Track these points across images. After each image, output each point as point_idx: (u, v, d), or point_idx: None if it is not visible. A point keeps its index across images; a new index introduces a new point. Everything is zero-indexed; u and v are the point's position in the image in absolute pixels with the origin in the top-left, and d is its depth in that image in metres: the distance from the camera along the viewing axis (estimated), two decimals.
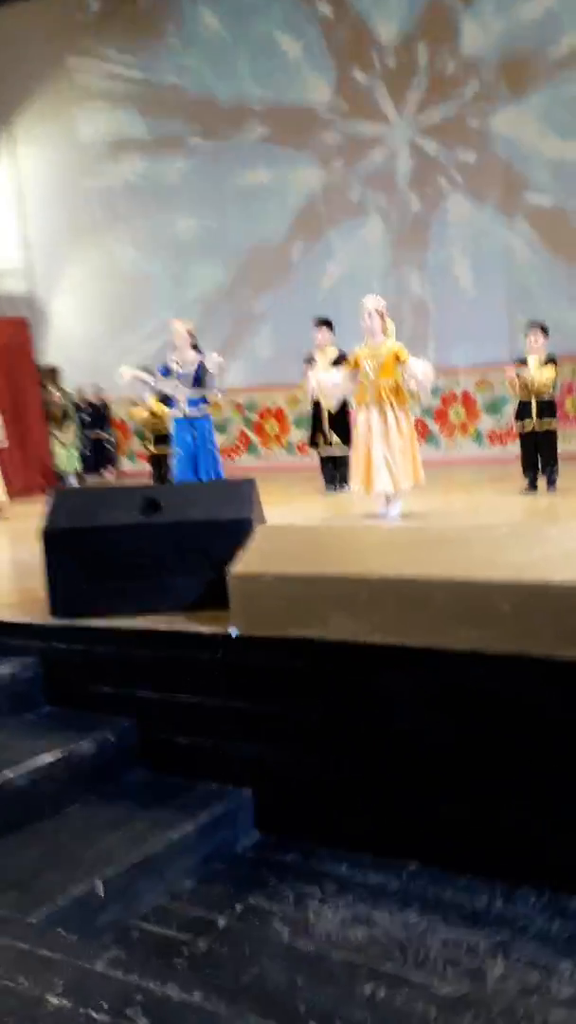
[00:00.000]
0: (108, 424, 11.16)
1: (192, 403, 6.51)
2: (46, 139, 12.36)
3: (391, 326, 5.50)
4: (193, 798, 2.58)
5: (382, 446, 5.29)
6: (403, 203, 9.52)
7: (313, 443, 7.37)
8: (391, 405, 5.32)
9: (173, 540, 3.04)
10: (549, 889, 2.21)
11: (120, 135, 11.54)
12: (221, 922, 2.11)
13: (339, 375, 5.78)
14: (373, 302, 5.49)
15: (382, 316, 5.44)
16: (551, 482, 6.14)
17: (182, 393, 6.49)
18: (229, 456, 10.05)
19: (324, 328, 7.26)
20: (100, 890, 2.08)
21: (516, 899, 2.20)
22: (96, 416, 11.01)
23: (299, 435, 9.70)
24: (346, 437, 7.04)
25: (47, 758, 2.56)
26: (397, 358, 5.33)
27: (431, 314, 9.20)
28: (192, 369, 6.49)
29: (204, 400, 6.57)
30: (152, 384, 6.74)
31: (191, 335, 6.62)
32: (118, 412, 10.88)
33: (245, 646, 2.69)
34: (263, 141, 10.39)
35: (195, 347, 6.62)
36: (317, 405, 7.19)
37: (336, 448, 7.18)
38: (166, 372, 6.58)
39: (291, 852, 2.47)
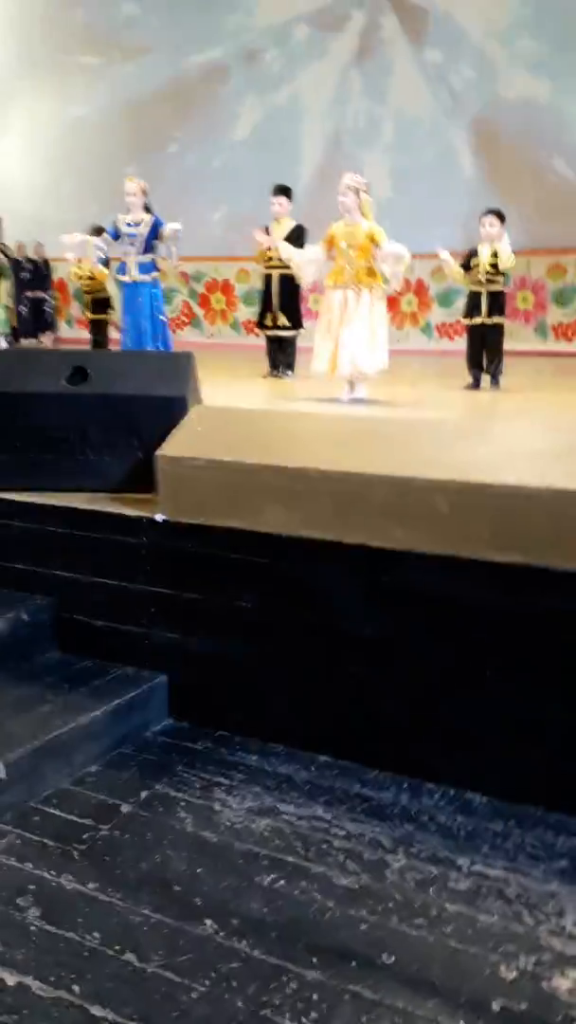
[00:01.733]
0: (48, 285, 10.51)
1: (142, 268, 6.13)
2: None
3: (370, 204, 5.21)
4: (106, 682, 2.52)
5: (351, 328, 5.11)
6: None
7: (261, 323, 7.03)
8: (364, 287, 5.14)
9: (99, 413, 2.83)
10: (454, 786, 2.24)
11: None
12: (125, 808, 2.08)
13: (313, 251, 5.47)
14: (349, 178, 5.18)
15: (357, 193, 5.14)
16: (495, 378, 6.01)
17: (131, 257, 6.10)
18: (171, 329, 9.63)
19: (282, 197, 6.78)
20: (2, 772, 2.02)
21: (422, 794, 2.23)
22: (36, 275, 10.34)
23: (247, 312, 9.31)
24: (296, 319, 6.75)
25: None
26: (373, 240, 5.09)
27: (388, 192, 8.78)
28: (144, 231, 6.07)
29: (155, 266, 6.19)
30: (102, 249, 6.31)
31: (144, 194, 6.16)
32: (60, 273, 10.24)
33: (171, 532, 2.57)
34: None
35: (147, 208, 6.17)
36: (268, 281, 6.82)
37: (283, 330, 6.86)
38: (115, 235, 6.15)
39: (202, 740, 2.45)
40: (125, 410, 2.81)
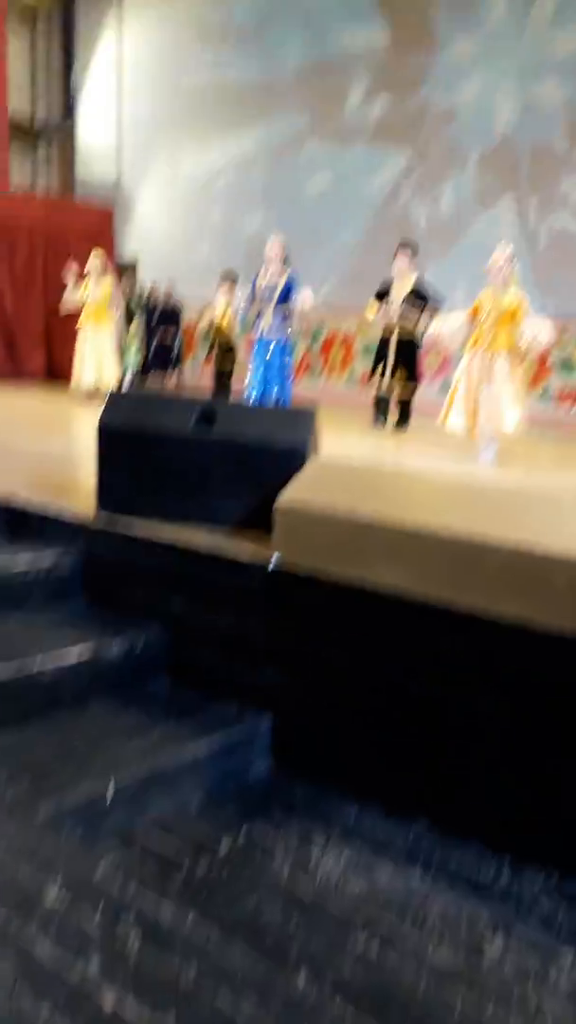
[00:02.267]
0: (177, 326, 10.95)
1: (274, 322, 6.36)
2: (156, 19, 11.82)
3: (516, 274, 5.39)
4: (212, 716, 2.56)
5: (489, 388, 5.27)
6: None
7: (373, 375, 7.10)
8: (503, 353, 5.30)
9: (223, 458, 2.94)
10: (558, 871, 2.15)
11: (229, 26, 10.98)
12: (223, 848, 2.10)
13: (458, 320, 5.61)
14: (504, 248, 5.41)
15: (511, 263, 5.37)
16: None
17: (266, 311, 6.34)
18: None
19: (406, 252, 6.83)
20: (110, 794, 2.07)
21: (523, 876, 2.15)
22: (165, 316, 10.80)
23: (363, 365, 9.43)
24: (412, 374, 6.80)
25: (75, 654, 2.56)
26: (515, 313, 5.27)
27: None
28: (279, 284, 6.31)
29: (285, 319, 6.40)
30: (240, 306, 6.58)
31: (283, 251, 6.42)
32: (189, 315, 10.68)
33: (284, 577, 2.62)
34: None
35: (285, 264, 6.42)
36: (385, 338, 6.89)
37: (397, 384, 6.85)
38: (252, 296, 6.43)
39: (302, 788, 2.44)
40: (248, 456, 2.92)
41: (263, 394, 6.31)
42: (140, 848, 2.05)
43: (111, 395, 3.25)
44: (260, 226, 10.35)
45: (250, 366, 6.53)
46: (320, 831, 2.23)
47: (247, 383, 6.59)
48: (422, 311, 6.59)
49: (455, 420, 5.47)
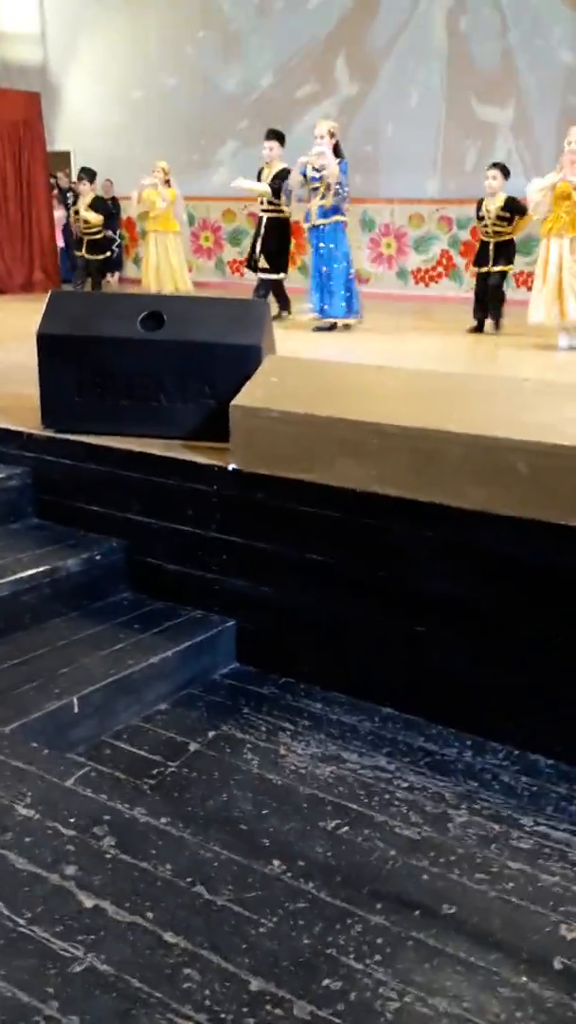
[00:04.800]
0: (117, 224, 10.44)
1: (323, 212, 6.11)
2: None
3: None
4: (176, 623, 2.57)
5: (571, 276, 5.29)
6: None
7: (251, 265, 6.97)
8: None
9: (173, 360, 2.83)
10: (519, 746, 2.24)
11: None
12: (192, 747, 2.15)
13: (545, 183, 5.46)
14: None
15: None
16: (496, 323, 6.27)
17: (315, 200, 6.08)
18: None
19: (274, 141, 6.70)
20: (75, 706, 2.09)
21: (486, 752, 2.24)
22: (105, 214, 10.25)
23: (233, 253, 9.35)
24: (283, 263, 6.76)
25: (31, 570, 2.53)
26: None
27: None
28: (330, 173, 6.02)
29: (337, 209, 6.10)
30: (296, 193, 6.26)
31: (332, 135, 6.08)
32: (129, 212, 10.17)
33: (243, 482, 2.58)
34: None
35: (336, 150, 6.09)
36: (257, 224, 6.83)
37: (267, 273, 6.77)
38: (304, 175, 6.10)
39: (268, 685, 2.49)
40: (199, 358, 2.81)
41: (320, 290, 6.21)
42: (109, 755, 2.08)
43: (49, 299, 3.07)
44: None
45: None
46: (288, 724, 2.28)
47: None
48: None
49: (536, 314, 5.49)
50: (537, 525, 2.15)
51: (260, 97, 9.93)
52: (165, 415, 2.85)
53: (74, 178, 10.22)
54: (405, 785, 2.06)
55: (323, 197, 6.14)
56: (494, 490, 2.21)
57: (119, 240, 10.54)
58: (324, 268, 6.23)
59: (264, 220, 6.76)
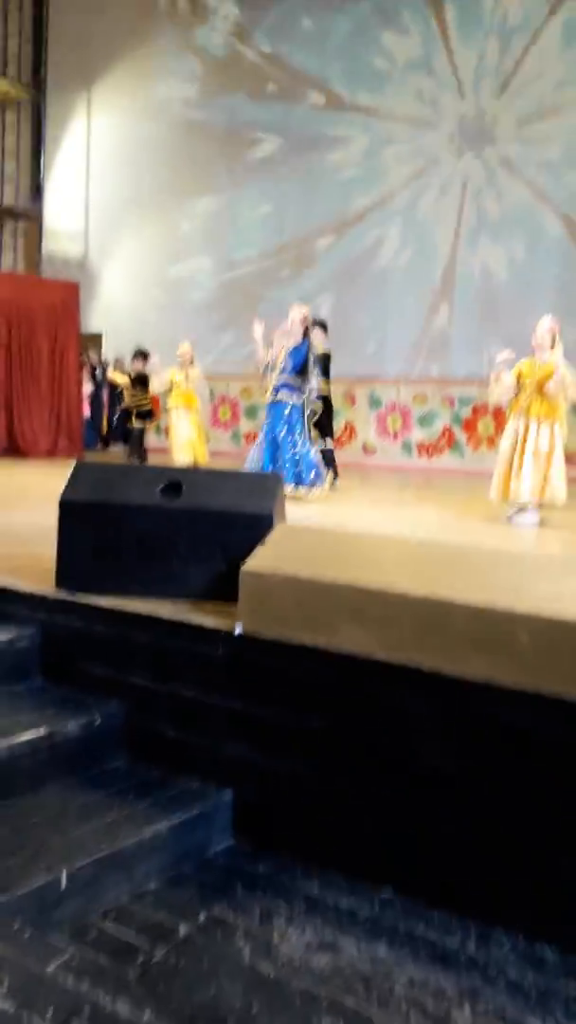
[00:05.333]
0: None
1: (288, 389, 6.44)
2: (120, 106, 12.33)
3: (559, 344, 5.58)
4: (172, 794, 2.51)
5: (528, 456, 5.43)
6: None
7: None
8: (539, 418, 5.46)
9: (189, 527, 2.95)
10: (525, 936, 2.11)
11: (191, 117, 11.50)
12: (182, 930, 2.04)
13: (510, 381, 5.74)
14: (548, 322, 5.62)
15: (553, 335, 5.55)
16: None
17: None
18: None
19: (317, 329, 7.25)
20: (63, 882, 2.01)
21: (490, 943, 2.10)
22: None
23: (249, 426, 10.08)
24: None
25: (31, 734, 2.51)
26: (549, 377, 5.42)
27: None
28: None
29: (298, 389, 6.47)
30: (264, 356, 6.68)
31: (304, 322, 6.58)
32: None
33: (249, 645, 2.61)
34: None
35: (306, 334, 6.53)
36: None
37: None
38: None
39: (264, 863, 2.39)
40: (213, 524, 2.93)
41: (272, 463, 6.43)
42: (95, 938, 1.98)
43: (74, 469, 3.25)
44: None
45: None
46: (283, 907, 2.17)
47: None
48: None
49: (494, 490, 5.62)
50: (540, 698, 2.13)
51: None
52: (178, 578, 2.93)
53: (104, 356, 11.02)
54: (405, 979, 1.93)
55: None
56: (496, 659, 2.22)
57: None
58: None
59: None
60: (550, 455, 5.42)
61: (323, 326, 7.44)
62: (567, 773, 2.10)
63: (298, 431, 6.46)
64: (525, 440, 5.45)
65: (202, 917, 2.10)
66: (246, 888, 2.24)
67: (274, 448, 6.45)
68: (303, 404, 6.52)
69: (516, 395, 5.56)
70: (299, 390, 6.50)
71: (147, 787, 2.52)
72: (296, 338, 6.51)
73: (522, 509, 5.52)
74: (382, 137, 10.26)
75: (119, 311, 11.91)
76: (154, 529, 2.97)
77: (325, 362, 7.18)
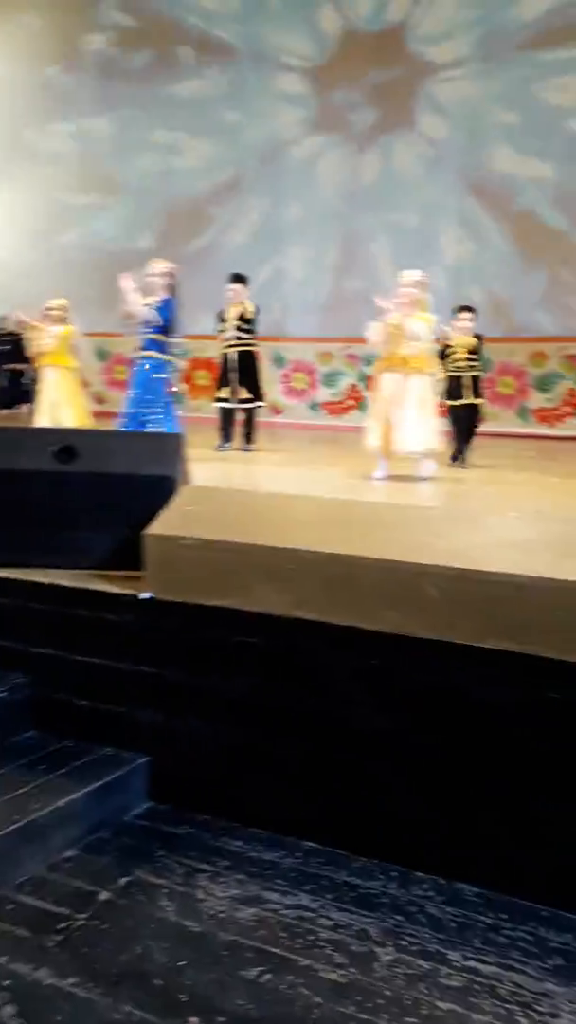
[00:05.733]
0: (26, 356, 10.58)
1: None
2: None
3: (426, 299, 5.64)
4: (85, 762, 2.45)
5: (401, 409, 5.51)
6: None
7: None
8: (412, 370, 5.55)
9: (88, 493, 2.85)
10: (443, 876, 2.19)
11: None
12: (103, 895, 2.00)
13: (378, 329, 5.74)
14: (419, 274, 5.69)
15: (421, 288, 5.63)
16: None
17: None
18: None
19: (237, 284, 7.24)
20: None
21: (410, 884, 2.17)
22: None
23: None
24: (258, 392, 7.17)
25: None
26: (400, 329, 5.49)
27: None
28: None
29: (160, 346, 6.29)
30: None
31: (171, 275, 6.33)
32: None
33: (157, 611, 2.56)
34: None
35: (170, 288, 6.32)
36: (225, 357, 7.24)
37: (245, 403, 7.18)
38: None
39: (184, 824, 2.38)
40: (114, 489, 2.83)
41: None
42: (12, 912, 1.92)
43: None
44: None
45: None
46: (206, 865, 2.17)
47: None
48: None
49: (371, 439, 5.67)
50: (452, 647, 2.19)
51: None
52: (78, 546, 2.83)
53: None
54: (329, 923, 1.97)
55: None
56: (407, 613, 2.26)
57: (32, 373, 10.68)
58: None
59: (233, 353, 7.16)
60: (423, 404, 5.58)
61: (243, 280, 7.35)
62: (481, 720, 2.17)
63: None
64: (405, 392, 5.59)
65: (123, 881, 2.07)
66: (167, 849, 2.23)
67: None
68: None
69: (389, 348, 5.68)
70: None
71: (59, 757, 2.45)
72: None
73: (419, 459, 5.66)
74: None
75: None
76: (50, 496, 2.84)
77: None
